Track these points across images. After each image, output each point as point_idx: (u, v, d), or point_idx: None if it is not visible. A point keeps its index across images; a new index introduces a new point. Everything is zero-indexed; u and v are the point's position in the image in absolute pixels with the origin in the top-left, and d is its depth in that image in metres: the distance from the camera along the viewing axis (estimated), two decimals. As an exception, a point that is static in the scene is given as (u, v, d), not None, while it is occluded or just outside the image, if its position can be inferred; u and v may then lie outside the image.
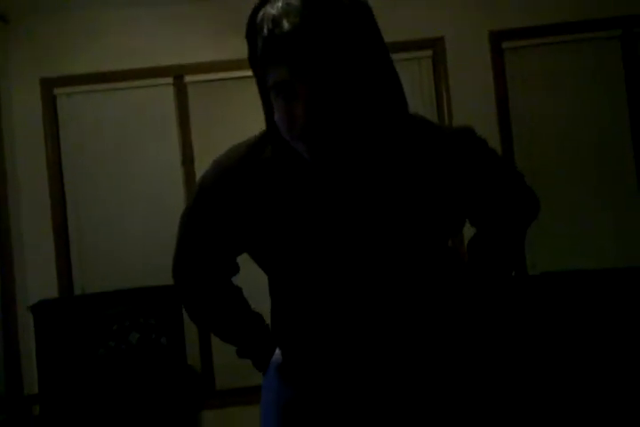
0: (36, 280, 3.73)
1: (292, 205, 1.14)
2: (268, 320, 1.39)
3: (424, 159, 1.14)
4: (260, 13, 1.02)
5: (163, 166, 3.85)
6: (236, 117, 3.70)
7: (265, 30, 0.99)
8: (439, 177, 1.15)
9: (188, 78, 3.86)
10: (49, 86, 3.85)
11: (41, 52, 3.85)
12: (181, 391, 3.26)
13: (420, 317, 1.19)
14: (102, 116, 3.88)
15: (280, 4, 0.98)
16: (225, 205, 1.19)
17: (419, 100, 3.75)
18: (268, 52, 0.99)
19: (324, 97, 0.99)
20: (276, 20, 0.97)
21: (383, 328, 1.18)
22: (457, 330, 1.24)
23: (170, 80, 3.87)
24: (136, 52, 3.83)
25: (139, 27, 3.85)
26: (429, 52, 3.82)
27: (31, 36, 3.86)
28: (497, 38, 3.79)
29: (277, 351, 1.34)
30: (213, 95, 3.87)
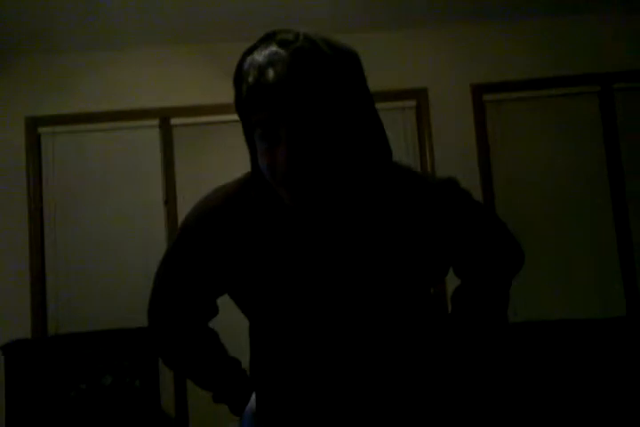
0: (9, 320, 3.66)
1: (274, 248, 1.14)
2: (244, 365, 1.37)
3: (407, 208, 1.15)
4: (248, 60, 1.04)
5: (145, 206, 3.84)
6: (220, 160, 3.73)
7: (250, 78, 1.00)
8: (421, 226, 1.15)
9: (174, 121, 3.89)
10: (34, 125, 3.87)
11: (27, 91, 3.88)
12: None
13: (400, 368, 1.18)
14: (87, 155, 3.89)
15: (267, 53, 1.00)
16: (207, 245, 1.18)
17: (402, 148, 3.81)
18: (252, 99, 1.01)
19: (306, 143, 1.00)
20: (261, 69, 0.99)
21: (361, 378, 1.17)
22: (436, 381, 1.22)
23: (156, 122, 3.90)
24: (123, 93, 3.87)
25: (127, 68, 3.90)
26: (413, 102, 3.90)
27: (17, 73, 3.89)
28: (478, 91, 3.89)
29: (254, 397, 1.31)
30: (198, 138, 3.90)
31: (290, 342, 1.19)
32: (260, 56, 1.01)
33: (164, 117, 3.89)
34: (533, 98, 3.89)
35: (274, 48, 1.00)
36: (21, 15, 3.44)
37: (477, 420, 1.27)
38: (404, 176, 1.19)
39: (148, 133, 3.90)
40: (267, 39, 1.04)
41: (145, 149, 3.90)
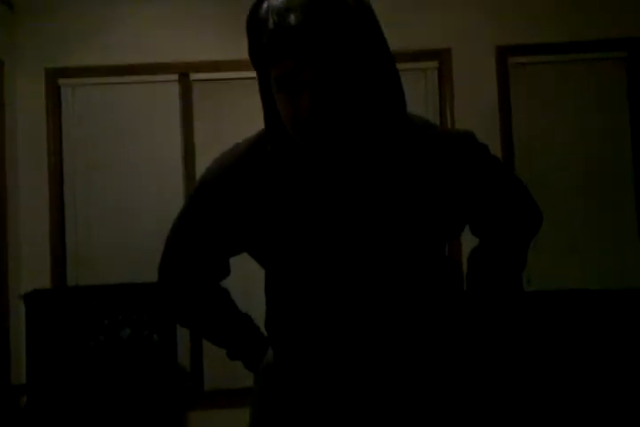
0: (30, 269, 3.72)
1: (292, 201, 1.14)
2: (257, 322, 1.39)
3: (422, 159, 1.15)
4: (264, 6, 1.01)
5: (163, 161, 3.85)
6: (239, 117, 3.71)
7: (270, 23, 0.98)
8: (437, 178, 1.15)
9: (193, 76, 3.87)
10: (54, 77, 3.85)
11: (47, 42, 3.85)
12: (169, 390, 3.25)
13: (414, 320, 1.19)
14: (106, 108, 3.88)
15: None
16: (225, 199, 1.18)
17: (423, 110, 3.76)
18: (274, 45, 0.98)
19: (330, 88, 0.99)
20: (281, 13, 0.97)
21: (377, 329, 1.18)
22: (449, 335, 1.24)
23: (175, 77, 3.87)
24: (143, 47, 3.83)
25: (147, 21, 3.85)
26: (436, 64, 3.84)
27: (38, 24, 3.85)
28: (503, 53, 3.81)
29: (269, 352, 1.33)
30: (218, 94, 3.88)
31: (306, 295, 1.20)
32: (277, 1, 0.99)
33: (183, 72, 3.87)
34: (559, 62, 3.83)
35: None
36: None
37: (488, 391, 1.29)
38: (420, 127, 1.18)
39: (168, 88, 3.89)
40: None
41: (164, 103, 3.88)
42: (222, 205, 1.19)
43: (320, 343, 1.21)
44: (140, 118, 3.88)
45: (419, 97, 3.77)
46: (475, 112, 3.72)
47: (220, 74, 3.84)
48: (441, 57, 3.83)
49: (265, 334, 1.35)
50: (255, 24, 1.02)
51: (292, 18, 0.95)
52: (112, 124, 3.88)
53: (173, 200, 3.70)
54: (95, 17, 3.85)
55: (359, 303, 1.17)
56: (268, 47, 0.99)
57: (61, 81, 3.86)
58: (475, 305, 1.32)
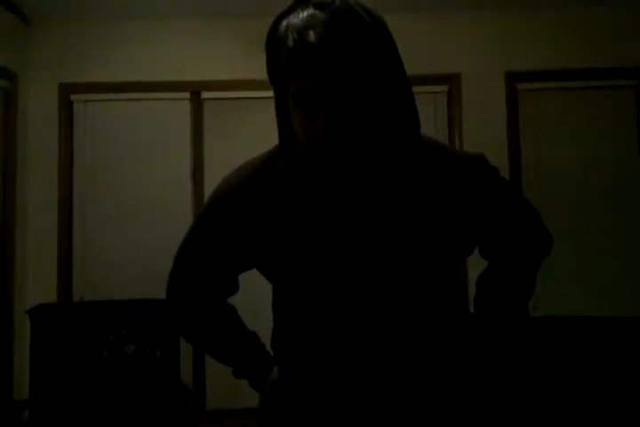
0: (35, 284, 3.73)
1: (303, 217, 1.14)
2: (264, 341, 1.38)
3: (435, 180, 1.15)
4: (283, 24, 1.02)
5: (172, 178, 3.88)
6: (249, 135, 3.73)
7: (290, 40, 0.98)
8: (448, 199, 1.15)
9: (205, 95, 3.91)
10: (67, 92, 3.89)
11: (62, 57, 3.90)
12: (171, 409, 3.22)
13: (421, 341, 1.19)
14: (117, 125, 3.92)
15: (305, 16, 0.99)
16: (237, 214, 1.18)
17: (431, 132, 3.77)
18: (293, 63, 0.98)
19: (346, 107, 1.00)
20: (301, 31, 0.97)
21: (385, 349, 1.18)
22: (455, 357, 1.23)
23: (187, 95, 3.91)
24: (156, 64, 3.88)
25: (161, 40, 3.90)
26: (445, 87, 3.87)
27: (53, 39, 3.91)
28: (512, 79, 3.84)
29: (275, 370, 1.32)
30: (228, 113, 3.91)
31: (314, 312, 1.20)
32: (297, 19, 0.99)
33: (195, 91, 3.91)
34: (568, 89, 3.85)
35: (311, 10, 0.99)
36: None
37: (491, 410, 1.28)
38: (432, 149, 1.19)
39: (179, 106, 3.92)
40: (302, 2, 1.02)
41: (175, 121, 3.92)
42: (234, 220, 1.19)
43: (327, 361, 1.20)
44: (150, 135, 3.91)
45: (428, 120, 3.79)
46: (483, 136, 3.74)
47: (231, 93, 3.88)
48: (451, 81, 3.86)
49: (271, 352, 1.34)
50: (274, 41, 1.03)
51: (311, 36, 0.96)
52: (123, 140, 3.91)
53: (181, 217, 3.72)
54: (110, 34, 3.90)
55: (367, 322, 1.17)
56: (287, 64, 1.00)
57: (74, 96, 3.90)
58: (481, 328, 1.31)
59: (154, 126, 3.92)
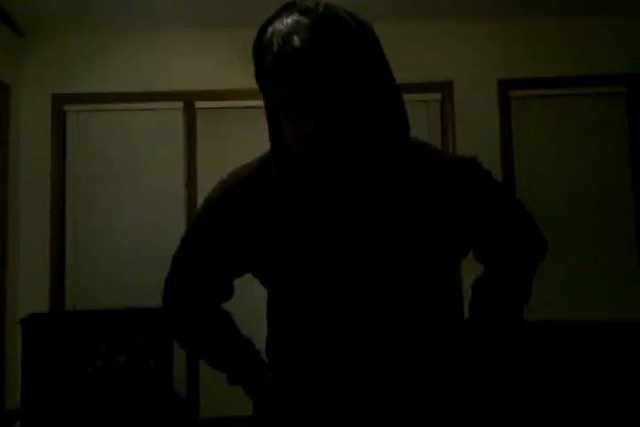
0: (28, 294, 3.71)
1: (296, 221, 1.15)
2: (258, 346, 1.38)
3: (427, 183, 1.15)
4: (269, 30, 1.03)
5: (165, 187, 3.87)
6: (242, 145, 3.73)
7: (275, 46, 0.99)
8: (441, 202, 1.16)
9: (198, 104, 3.91)
10: (60, 102, 3.89)
11: (54, 68, 3.90)
12: (165, 418, 3.21)
13: (416, 346, 1.19)
14: (110, 135, 3.91)
15: (289, 22, 1.00)
16: (230, 220, 1.19)
17: (424, 140, 3.78)
18: (278, 68, 1.00)
19: (333, 111, 1.00)
20: (286, 37, 0.98)
21: (380, 354, 1.17)
22: (450, 361, 1.23)
23: (180, 105, 3.91)
24: (149, 74, 3.88)
25: (154, 50, 3.91)
26: (439, 95, 3.88)
27: (46, 50, 3.91)
28: (505, 87, 3.86)
29: (269, 377, 1.32)
30: (222, 122, 3.91)
31: (308, 317, 1.20)
32: (282, 25, 1.00)
33: (188, 100, 3.91)
34: (560, 96, 3.87)
35: (295, 17, 1.00)
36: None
37: (485, 414, 1.27)
38: (424, 152, 1.19)
39: (172, 116, 3.92)
40: (287, 8, 1.03)
41: (168, 131, 3.91)
42: (227, 225, 1.20)
43: (321, 367, 1.20)
44: (143, 145, 3.91)
45: (422, 127, 3.80)
46: (476, 143, 3.75)
47: (224, 102, 3.88)
48: (444, 89, 3.87)
49: (266, 359, 1.34)
50: (261, 47, 1.04)
51: (295, 41, 0.97)
52: (116, 150, 3.90)
53: (173, 226, 3.71)
54: (103, 44, 3.90)
55: (362, 327, 1.17)
56: (273, 69, 1.01)
57: (67, 107, 3.90)
58: (475, 332, 1.31)
59: (147, 136, 3.92)
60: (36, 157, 3.84)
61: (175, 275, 1.31)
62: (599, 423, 2.81)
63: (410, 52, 3.74)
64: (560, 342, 2.97)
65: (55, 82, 3.89)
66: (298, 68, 0.98)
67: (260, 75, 1.06)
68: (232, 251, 1.22)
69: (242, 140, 3.77)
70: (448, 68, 3.87)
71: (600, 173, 3.83)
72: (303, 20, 0.99)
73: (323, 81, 0.98)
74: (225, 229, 1.20)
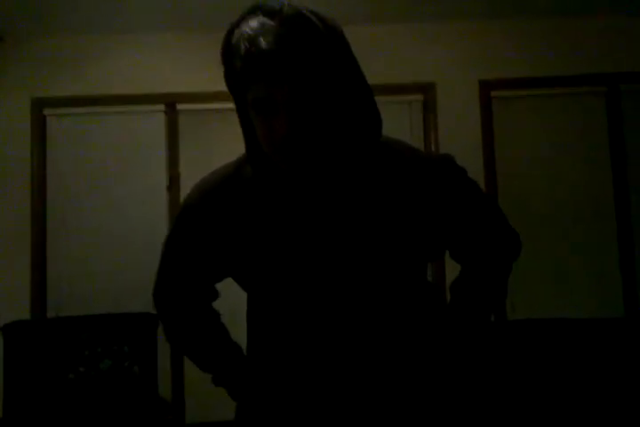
0: (9, 301, 3.67)
1: (272, 222, 1.15)
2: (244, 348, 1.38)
3: (401, 181, 1.16)
4: (236, 33, 1.04)
5: (148, 190, 3.85)
6: (225, 147, 3.71)
7: (242, 49, 1.00)
8: (415, 199, 1.16)
9: (180, 106, 3.89)
10: (40, 106, 3.86)
11: (34, 72, 3.87)
12: (150, 423, 3.18)
13: (395, 346, 1.19)
14: (91, 138, 3.89)
15: (255, 24, 1.01)
16: (209, 221, 1.20)
17: (407, 140, 3.78)
18: (246, 70, 1.01)
19: (302, 111, 1.01)
20: (252, 40, 0.99)
21: (359, 355, 1.17)
22: (429, 361, 1.23)
23: (162, 107, 3.89)
24: (130, 77, 3.86)
25: (134, 52, 3.89)
26: (421, 96, 3.89)
27: (26, 55, 3.88)
28: (486, 87, 3.88)
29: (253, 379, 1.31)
30: (204, 124, 3.90)
31: (287, 321, 1.20)
32: (247, 28, 1.02)
33: (169, 103, 3.89)
34: (541, 96, 3.90)
35: (260, 18, 1.01)
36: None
37: (470, 412, 1.27)
38: (397, 150, 1.20)
39: (154, 118, 3.90)
40: (252, 11, 1.04)
41: (150, 134, 3.90)
42: (204, 228, 1.21)
43: (301, 369, 1.20)
44: (125, 148, 3.88)
45: (404, 128, 3.80)
46: (458, 144, 3.76)
47: (206, 104, 3.86)
48: (426, 90, 3.88)
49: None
50: (229, 50, 1.05)
51: (262, 43, 0.98)
52: (97, 154, 3.88)
53: (156, 231, 3.69)
54: (82, 48, 3.88)
55: (339, 328, 1.17)
56: (241, 72, 1.02)
57: (47, 111, 3.87)
58: (451, 333, 1.31)
59: (129, 139, 3.90)
60: (17, 161, 3.81)
61: (159, 274, 1.33)
62: (583, 419, 2.83)
63: (392, 54, 3.75)
64: (543, 340, 2.99)
65: (35, 86, 3.86)
66: (266, 70, 0.99)
67: (229, 78, 1.07)
68: (209, 253, 1.23)
69: (224, 142, 3.75)
70: (430, 70, 3.88)
71: (581, 172, 3.86)
72: (268, 21, 1.00)
73: (291, 81, 0.99)
74: (200, 231, 1.21)
